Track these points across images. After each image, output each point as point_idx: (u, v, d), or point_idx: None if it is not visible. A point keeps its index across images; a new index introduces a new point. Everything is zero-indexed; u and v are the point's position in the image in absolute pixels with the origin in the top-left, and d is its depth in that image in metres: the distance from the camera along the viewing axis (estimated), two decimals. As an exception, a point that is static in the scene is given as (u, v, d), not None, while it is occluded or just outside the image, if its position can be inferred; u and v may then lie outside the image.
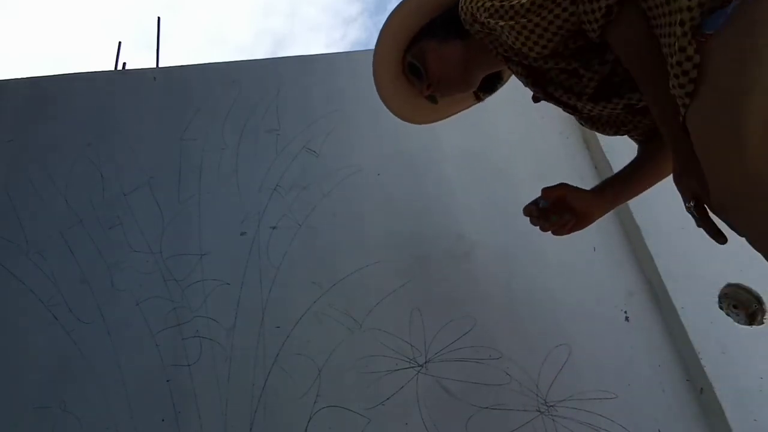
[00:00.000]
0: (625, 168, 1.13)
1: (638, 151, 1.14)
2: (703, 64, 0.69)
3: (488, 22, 0.91)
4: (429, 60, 1.10)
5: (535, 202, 1.15)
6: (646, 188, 1.12)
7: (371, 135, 1.68)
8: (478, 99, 1.19)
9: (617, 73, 0.92)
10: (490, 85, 1.16)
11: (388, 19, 1.12)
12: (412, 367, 1.29)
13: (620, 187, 1.12)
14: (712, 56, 0.69)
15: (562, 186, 1.14)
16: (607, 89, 0.94)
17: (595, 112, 0.98)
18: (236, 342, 1.32)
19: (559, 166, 1.62)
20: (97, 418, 1.22)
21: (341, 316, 1.36)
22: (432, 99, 1.15)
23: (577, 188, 1.14)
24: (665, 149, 1.04)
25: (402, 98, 1.22)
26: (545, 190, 1.14)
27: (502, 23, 0.88)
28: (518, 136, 1.69)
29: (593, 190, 1.14)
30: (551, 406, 1.25)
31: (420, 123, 1.31)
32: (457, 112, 1.29)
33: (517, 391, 1.26)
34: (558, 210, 1.13)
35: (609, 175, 1.55)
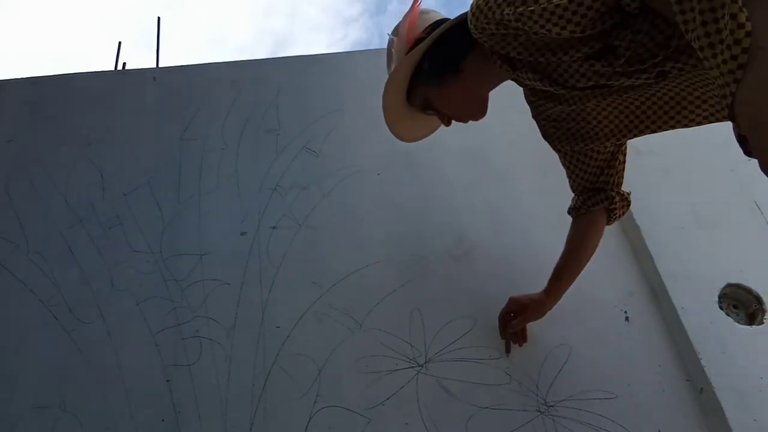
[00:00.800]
0: (563, 260, 1.30)
1: (569, 233, 1.30)
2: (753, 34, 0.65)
3: (509, 16, 0.89)
4: (437, 105, 1.12)
5: (506, 335, 1.33)
6: (581, 271, 1.30)
7: (371, 135, 1.68)
8: None
9: (653, 37, 0.87)
10: None
11: (386, 88, 1.14)
12: (412, 367, 1.29)
13: (566, 282, 1.30)
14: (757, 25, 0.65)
15: (522, 320, 1.29)
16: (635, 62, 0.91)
17: (627, 84, 0.96)
18: (236, 342, 1.32)
19: (558, 166, 1.62)
20: (97, 418, 1.22)
21: (341, 316, 1.36)
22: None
23: (531, 313, 1.29)
24: (588, 229, 1.26)
25: (406, 123, 1.24)
26: (508, 328, 1.31)
27: (532, 8, 0.86)
28: (518, 136, 1.68)
29: (545, 293, 1.30)
30: (551, 406, 1.25)
31: (416, 140, 1.35)
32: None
33: (517, 391, 1.26)
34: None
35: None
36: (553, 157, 1.40)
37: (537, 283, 1.42)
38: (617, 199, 1.24)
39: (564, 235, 1.50)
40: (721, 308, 1.33)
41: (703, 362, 1.25)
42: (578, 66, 0.94)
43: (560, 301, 1.38)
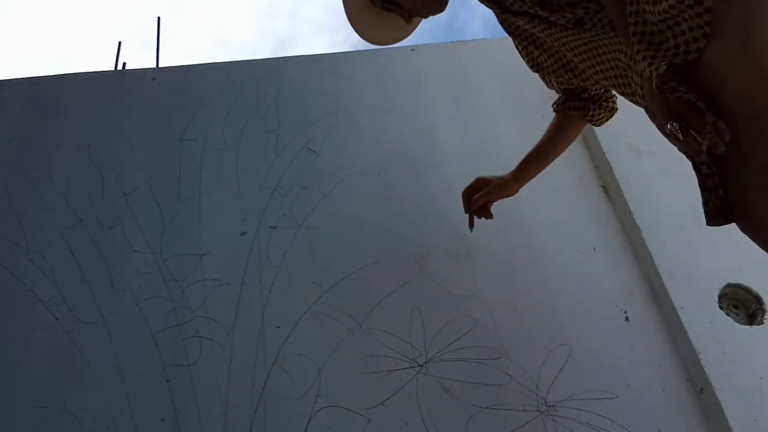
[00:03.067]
0: (536, 149, 1.34)
1: (550, 124, 1.33)
2: None
3: None
4: None
5: (470, 211, 1.37)
6: (552, 161, 1.35)
7: (371, 135, 1.68)
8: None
9: None
10: None
11: None
12: (412, 367, 1.29)
13: (534, 169, 1.35)
14: None
15: (484, 194, 1.34)
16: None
17: (553, 19, 1.00)
18: (236, 342, 1.32)
19: (558, 166, 1.61)
20: (97, 418, 1.22)
21: (341, 316, 1.36)
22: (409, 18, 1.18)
23: (494, 189, 1.34)
24: (563, 128, 1.31)
25: (369, 21, 1.22)
26: (471, 204, 1.35)
27: None
28: (518, 136, 1.68)
29: (512, 174, 1.34)
30: (551, 406, 1.25)
31: (386, 43, 1.31)
32: (414, 29, 1.30)
33: (517, 391, 1.26)
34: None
35: (609, 175, 1.57)
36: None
37: (537, 283, 1.43)
38: (594, 108, 1.25)
39: (564, 234, 1.51)
40: (721, 308, 1.33)
41: (703, 362, 1.25)
42: None
43: (560, 302, 1.38)
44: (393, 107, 1.75)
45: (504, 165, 1.62)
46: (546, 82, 1.28)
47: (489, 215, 1.37)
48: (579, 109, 1.26)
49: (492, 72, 1.77)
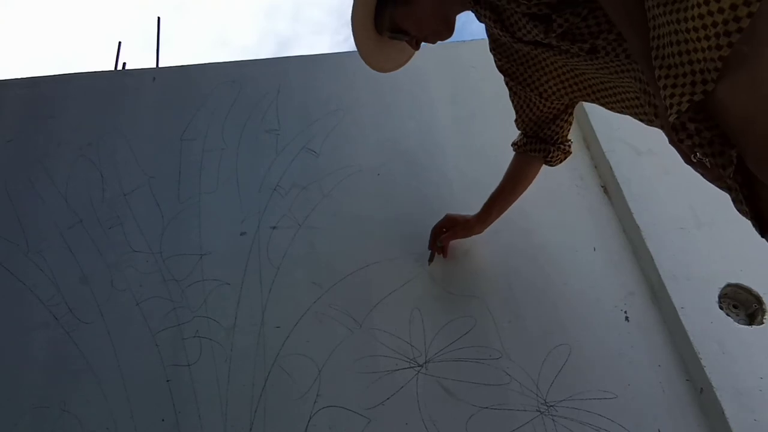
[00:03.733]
0: (497, 191, 1.39)
1: (509, 166, 1.38)
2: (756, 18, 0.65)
3: None
4: (405, 26, 1.10)
5: (434, 246, 1.43)
6: (513, 202, 1.40)
7: (371, 135, 1.68)
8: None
9: (588, 24, 0.94)
10: None
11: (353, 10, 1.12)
12: (412, 367, 1.29)
13: (496, 211, 1.40)
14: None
15: (449, 235, 1.41)
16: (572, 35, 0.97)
17: (565, 47, 1.00)
18: (236, 342, 1.32)
19: (558, 166, 1.62)
20: (97, 418, 1.23)
21: (341, 316, 1.36)
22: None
23: (459, 230, 1.41)
24: (523, 169, 1.35)
25: (378, 51, 1.22)
26: (437, 241, 1.42)
27: None
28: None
29: (476, 216, 1.40)
30: (551, 406, 1.25)
31: (395, 69, 1.31)
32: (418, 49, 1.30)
33: (517, 391, 1.26)
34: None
35: (609, 175, 1.57)
36: (553, 157, 1.41)
37: (537, 283, 1.43)
38: (553, 150, 1.31)
39: (564, 234, 1.51)
40: (721, 308, 1.33)
41: (703, 362, 1.24)
42: (525, 22, 0.99)
43: (559, 301, 1.38)
44: (393, 107, 1.75)
45: (504, 165, 1.62)
46: (523, 113, 1.29)
47: (445, 254, 1.44)
48: (540, 151, 1.31)
49: (492, 72, 1.77)
